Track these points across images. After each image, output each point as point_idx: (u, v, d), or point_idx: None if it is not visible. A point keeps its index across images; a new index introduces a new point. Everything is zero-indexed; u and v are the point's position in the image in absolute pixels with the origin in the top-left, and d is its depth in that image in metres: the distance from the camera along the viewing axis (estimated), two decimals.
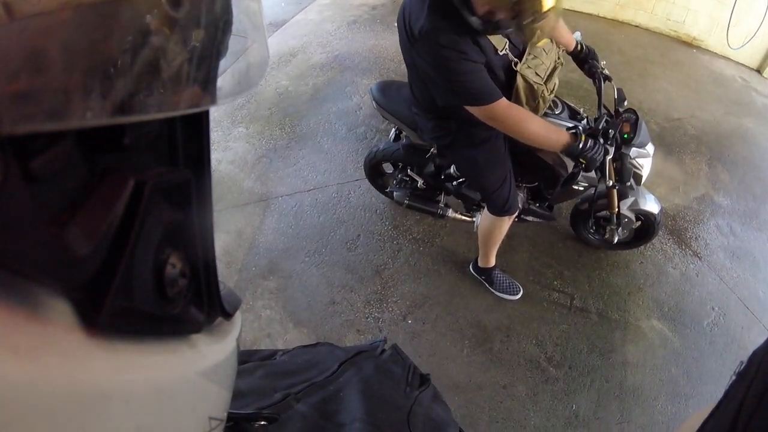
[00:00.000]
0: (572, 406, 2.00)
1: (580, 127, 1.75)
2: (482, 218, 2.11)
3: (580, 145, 1.61)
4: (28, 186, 0.18)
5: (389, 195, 2.39)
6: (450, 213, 2.28)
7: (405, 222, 2.54)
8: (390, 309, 2.20)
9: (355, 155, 2.84)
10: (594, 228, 2.35)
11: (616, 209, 2.00)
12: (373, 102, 2.09)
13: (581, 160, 1.63)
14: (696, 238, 2.67)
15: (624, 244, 2.33)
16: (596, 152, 1.63)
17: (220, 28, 0.27)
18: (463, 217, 2.32)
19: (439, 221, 2.44)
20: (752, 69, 4.25)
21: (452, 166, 2.09)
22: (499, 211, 1.93)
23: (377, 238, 2.47)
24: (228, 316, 0.39)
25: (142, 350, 0.27)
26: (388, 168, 2.38)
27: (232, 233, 2.47)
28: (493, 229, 2.05)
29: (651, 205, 2.11)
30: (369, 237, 2.47)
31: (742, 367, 0.30)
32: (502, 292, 2.28)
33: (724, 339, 2.29)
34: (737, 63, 4.26)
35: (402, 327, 2.15)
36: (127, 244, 0.24)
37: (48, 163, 0.19)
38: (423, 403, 0.76)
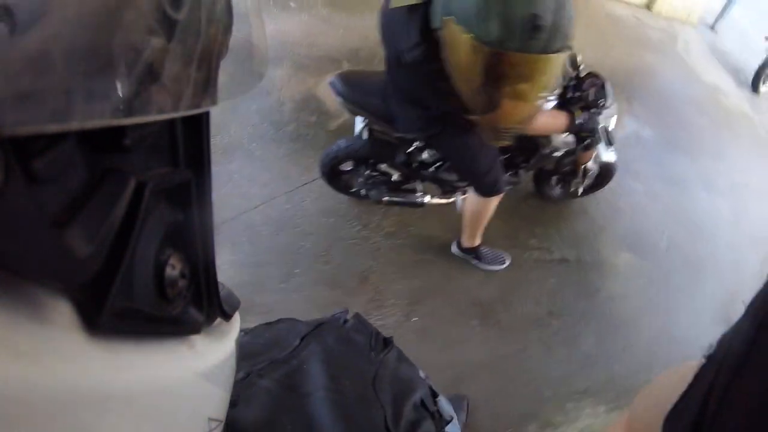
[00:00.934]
0: (581, 348, 2.17)
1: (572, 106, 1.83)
2: (468, 201, 2.07)
3: (579, 121, 1.72)
4: (30, 187, 0.18)
5: (356, 195, 2.22)
6: (429, 199, 2.17)
7: (372, 218, 2.38)
8: (391, 312, 2.09)
9: (294, 156, 2.53)
10: (559, 183, 2.44)
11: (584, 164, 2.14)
12: (337, 96, 1.83)
13: (584, 133, 1.77)
14: (636, 173, 2.94)
15: (583, 193, 2.45)
16: (593, 122, 1.75)
17: (220, 29, 0.27)
18: (442, 201, 2.24)
19: (406, 210, 2.34)
20: (641, 7, 4.67)
21: (425, 153, 1.98)
22: (489, 192, 1.91)
23: (350, 243, 2.28)
24: (227, 317, 0.40)
25: (142, 351, 0.27)
26: (346, 166, 2.15)
27: None
28: (482, 210, 2.01)
29: (610, 155, 2.23)
30: (341, 244, 2.26)
31: (711, 350, 0.31)
32: (491, 264, 2.29)
33: (681, 255, 2.61)
34: (628, 3, 4.67)
35: (408, 327, 2.06)
36: (128, 245, 0.24)
37: (49, 164, 0.19)
38: (388, 366, 0.79)
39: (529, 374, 2.03)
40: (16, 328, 0.19)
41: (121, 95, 0.19)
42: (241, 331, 0.91)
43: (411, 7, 1.35)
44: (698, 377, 0.31)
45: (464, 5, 1.19)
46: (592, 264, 2.47)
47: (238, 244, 2.20)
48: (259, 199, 2.39)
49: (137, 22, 0.20)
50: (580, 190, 2.27)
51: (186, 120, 0.30)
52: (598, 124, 1.77)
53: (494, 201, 1.97)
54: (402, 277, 2.21)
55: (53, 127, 0.16)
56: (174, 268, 0.30)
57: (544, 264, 2.42)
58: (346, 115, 2.53)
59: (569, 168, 2.21)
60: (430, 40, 1.34)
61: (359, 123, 2.00)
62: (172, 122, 0.29)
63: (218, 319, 0.39)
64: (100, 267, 0.23)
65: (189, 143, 0.31)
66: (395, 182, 2.16)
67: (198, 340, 0.35)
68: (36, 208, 0.18)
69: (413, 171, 2.07)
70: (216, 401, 0.38)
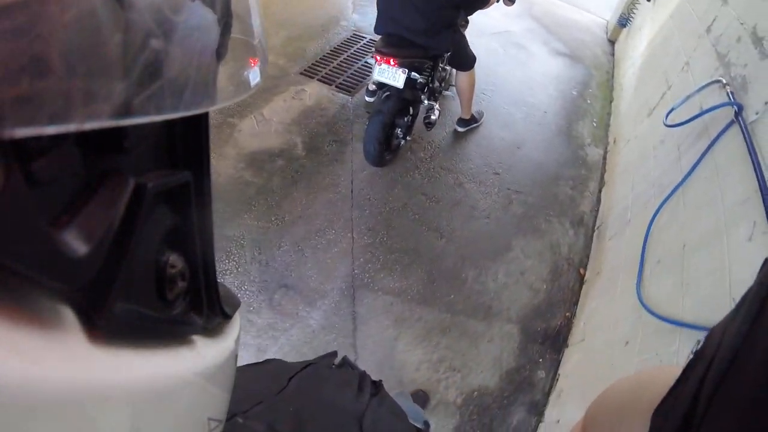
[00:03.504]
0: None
1: None
2: (461, 80, 2.99)
3: None
4: (29, 188, 0.18)
5: (397, 149, 2.88)
6: (437, 108, 2.95)
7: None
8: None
9: None
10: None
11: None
12: (381, 57, 2.47)
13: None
14: None
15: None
16: None
17: (219, 29, 0.27)
18: (446, 94, 3.34)
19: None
20: None
21: (432, 74, 2.74)
22: (471, 64, 2.90)
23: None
24: (227, 317, 0.40)
25: (141, 352, 0.27)
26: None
27: None
28: (472, 80, 2.99)
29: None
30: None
31: (699, 346, 0.31)
32: (480, 119, 3.34)
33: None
34: None
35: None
36: (127, 247, 0.24)
37: (49, 166, 0.19)
38: (376, 408, 0.78)
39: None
40: (15, 329, 0.18)
41: (120, 96, 0.19)
42: None
43: None
44: (687, 372, 0.31)
45: None
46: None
47: None
48: None
49: (136, 22, 0.20)
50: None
51: (185, 121, 0.30)
52: None
53: (474, 72, 2.95)
54: (387, 274, 2.22)
55: (52, 129, 0.16)
56: (174, 269, 0.30)
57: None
58: None
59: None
60: None
61: (378, 94, 2.65)
62: (171, 123, 0.29)
63: (218, 319, 0.39)
64: (100, 268, 0.22)
65: (188, 144, 0.31)
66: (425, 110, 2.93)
67: (198, 341, 0.35)
68: (35, 209, 0.18)
69: (433, 90, 2.86)
70: (216, 402, 0.38)
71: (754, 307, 0.27)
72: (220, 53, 0.28)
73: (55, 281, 0.20)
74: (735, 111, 1.49)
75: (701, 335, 1.14)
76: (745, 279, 1.11)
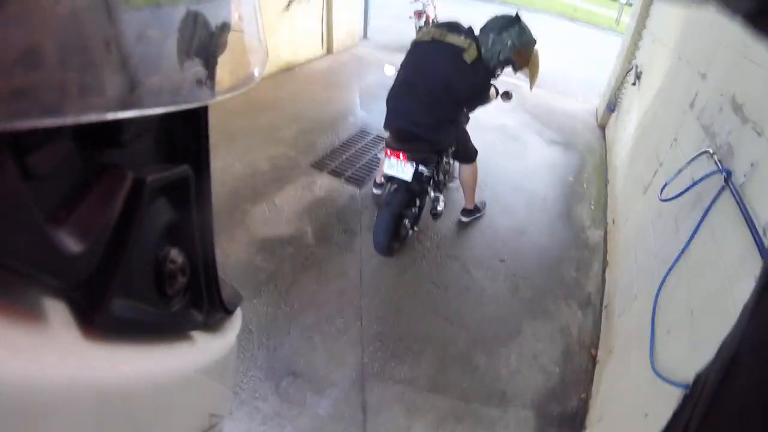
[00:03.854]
0: None
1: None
2: (464, 173, 3.19)
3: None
4: (25, 183, 0.17)
5: (405, 238, 2.95)
6: (442, 200, 3.09)
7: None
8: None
9: None
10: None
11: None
12: (392, 152, 2.64)
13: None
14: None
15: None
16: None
17: (219, 25, 0.27)
18: (450, 186, 3.56)
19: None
20: None
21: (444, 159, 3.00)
22: (474, 157, 3.12)
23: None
24: (229, 312, 0.39)
25: (141, 348, 0.27)
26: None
27: None
28: (474, 172, 3.18)
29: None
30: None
31: (687, 391, 0.32)
32: (483, 209, 3.50)
33: None
34: None
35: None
36: (126, 242, 0.24)
37: (45, 160, 0.18)
38: None
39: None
40: (14, 326, 0.18)
41: (116, 89, 0.19)
42: None
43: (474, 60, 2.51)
44: (675, 416, 0.33)
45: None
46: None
47: None
48: None
49: (133, 16, 0.19)
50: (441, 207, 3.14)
51: (185, 115, 0.29)
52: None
53: (476, 164, 3.15)
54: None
55: (48, 122, 0.16)
56: (174, 264, 0.29)
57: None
58: None
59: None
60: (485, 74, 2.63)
61: (387, 187, 2.79)
62: (170, 117, 0.28)
63: (219, 315, 0.38)
64: (98, 264, 0.22)
65: (187, 139, 0.30)
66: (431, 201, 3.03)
67: (198, 336, 0.34)
68: (31, 204, 0.18)
69: (438, 183, 3.02)
70: (217, 397, 0.37)
71: (731, 350, 0.28)
72: (219, 48, 0.28)
73: (51, 278, 0.20)
74: (724, 177, 1.57)
75: None
76: None
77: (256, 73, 0.32)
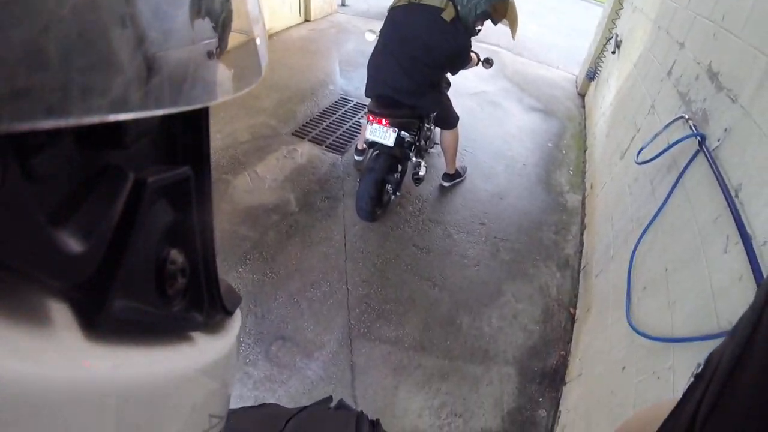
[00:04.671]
0: None
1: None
2: (445, 138, 3.20)
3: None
4: (28, 184, 0.18)
5: (388, 203, 2.98)
6: (424, 165, 3.09)
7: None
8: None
9: None
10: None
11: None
12: (374, 118, 2.63)
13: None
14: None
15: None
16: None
17: (219, 23, 0.27)
18: (431, 151, 3.55)
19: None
20: None
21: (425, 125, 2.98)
22: (455, 123, 3.12)
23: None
24: (228, 313, 0.39)
25: (141, 348, 0.27)
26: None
27: None
28: (455, 138, 3.21)
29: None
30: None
31: (699, 369, 0.32)
32: (464, 174, 3.55)
33: None
34: None
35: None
36: (127, 243, 0.24)
37: (47, 161, 0.19)
38: None
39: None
40: (13, 327, 0.18)
41: (118, 90, 0.19)
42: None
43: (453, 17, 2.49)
44: (686, 396, 0.32)
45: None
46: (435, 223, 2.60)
47: None
48: None
49: (135, 15, 0.19)
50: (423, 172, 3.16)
51: (185, 116, 0.30)
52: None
53: (457, 130, 3.17)
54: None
55: (50, 123, 0.16)
56: (174, 265, 0.30)
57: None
58: None
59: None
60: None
61: (369, 153, 2.79)
62: (171, 118, 0.28)
63: (219, 316, 0.38)
64: (99, 265, 0.22)
65: (188, 139, 0.31)
66: (413, 167, 3.05)
67: (198, 337, 0.34)
68: (33, 205, 0.18)
69: (420, 148, 3.03)
70: (217, 398, 0.37)
71: (747, 331, 0.28)
72: (219, 48, 0.28)
73: (53, 279, 0.20)
74: (699, 141, 1.64)
75: (692, 347, 1.22)
76: (725, 287, 1.20)
77: (257, 73, 0.32)
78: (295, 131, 3.77)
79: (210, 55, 0.26)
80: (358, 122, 3.97)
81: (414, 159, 2.96)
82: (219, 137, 3.51)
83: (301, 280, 2.54)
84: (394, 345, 2.31)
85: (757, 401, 0.25)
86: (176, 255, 0.30)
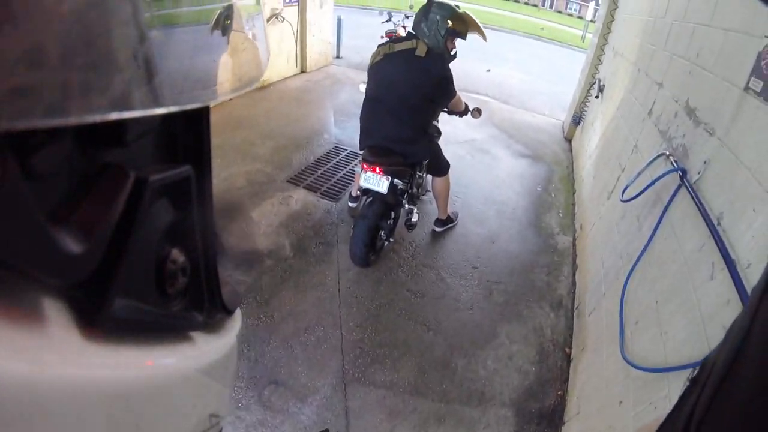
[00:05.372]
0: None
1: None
2: (437, 184, 3.29)
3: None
4: (28, 183, 0.17)
5: (381, 249, 3.03)
6: (416, 212, 3.12)
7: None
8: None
9: None
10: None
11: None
12: (368, 166, 2.72)
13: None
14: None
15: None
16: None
17: (221, 24, 0.27)
18: (423, 198, 3.60)
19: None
20: None
21: (418, 173, 3.03)
22: (446, 170, 3.23)
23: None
24: (229, 312, 0.39)
25: (141, 348, 0.27)
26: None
27: None
28: (447, 184, 3.31)
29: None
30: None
31: (695, 374, 0.34)
32: (456, 219, 3.61)
33: None
34: None
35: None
36: (127, 242, 0.24)
37: (47, 160, 0.19)
38: None
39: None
40: (14, 326, 0.18)
41: (119, 89, 0.19)
42: None
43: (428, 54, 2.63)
44: (682, 399, 0.33)
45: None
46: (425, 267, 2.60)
47: None
48: None
49: (135, 15, 0.19)
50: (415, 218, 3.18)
51: (186, 115, 0.29)
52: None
53: (449, 177, 3.27)
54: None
55: (50, 122, 0.16)
56: (174, 264, 0.29)
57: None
58: None
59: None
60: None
61: (362, 200, 2.87)
62: (172, 117, 0.28)
63: (219, 315, 0.38)
64: (100, 264, 0.22)
65: (189, 138, 0.31)
66: (406, 213, 3.09)
67: (199, 336, 0.34)
68: (33, 204, 0.18)
69: (412, 196, 3.08)
70: (217, 397, 0.37)
71: (739, 336, 0.28)
72: (220, 48, 0.28)
73: (52, 278, 0.20)
74: (680, 175, 1.71)
75: (686, 374, 1.23)
76: (714, 312, 1.22)
77: (257, 72, 0.32)
78: (291, 178, 3.87)
79: (211, 54, 0.26)
80: (352, 170, 4.07)
81: (407, 206, 3.03)
82: (215, 182, 3.56)
83: (295, 324, 2.54)
84: (389, 389, 2.28)
85: (750, 404, 0.26)
86: (177, 254, 0.30)
